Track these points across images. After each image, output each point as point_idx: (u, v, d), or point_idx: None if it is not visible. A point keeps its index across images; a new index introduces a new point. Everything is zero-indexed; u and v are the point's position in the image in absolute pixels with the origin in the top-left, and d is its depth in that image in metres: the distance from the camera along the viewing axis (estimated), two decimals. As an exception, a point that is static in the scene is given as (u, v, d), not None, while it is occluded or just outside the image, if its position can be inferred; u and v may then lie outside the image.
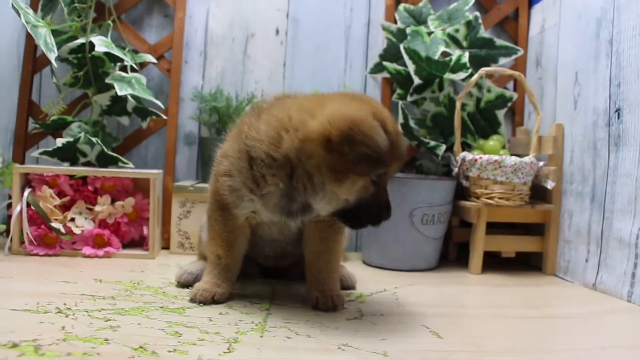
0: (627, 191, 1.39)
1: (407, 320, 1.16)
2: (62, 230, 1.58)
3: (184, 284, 1.34)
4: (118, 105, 1.73)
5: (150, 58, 1.77)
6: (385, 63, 1.77)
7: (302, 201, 1.12)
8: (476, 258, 1.64)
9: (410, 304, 1.30)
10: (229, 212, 1.22)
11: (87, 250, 1.59)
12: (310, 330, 1.08)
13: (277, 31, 1.92)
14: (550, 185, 1.62)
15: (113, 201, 1.66)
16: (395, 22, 1.87)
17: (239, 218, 1.22)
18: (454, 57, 1.64)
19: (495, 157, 1.60)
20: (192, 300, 1.22)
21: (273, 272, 1.48)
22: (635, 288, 1.34)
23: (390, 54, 1.81)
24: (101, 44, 1.60)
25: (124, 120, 1.77)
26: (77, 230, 1.59)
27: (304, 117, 1.05)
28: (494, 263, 1.75)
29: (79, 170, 1.62)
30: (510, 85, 1.95)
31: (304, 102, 1.11)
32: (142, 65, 1.83)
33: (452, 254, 1.83)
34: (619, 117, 1.43)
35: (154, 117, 1.77)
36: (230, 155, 1.17)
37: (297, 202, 1.12)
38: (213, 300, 1.22)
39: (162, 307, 1.17)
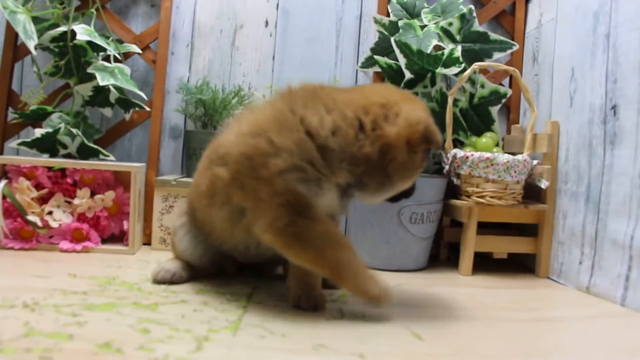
0: (623, 191, 1.34)
1: (389, 321, 1.11)
2: (39, 223, 1.53)
3: (161, 282, 1.29)
4: (100, 96, 1.68)
5: (135, 48, 1.73)
6: (376, 57, 1.72)
7: (352, 194, 1.16)
8: (466, 259, 1.59)
9: (395, 304, 1.24)
10: (311, 208, 1.08)
11: (65, 244, 1.54)
12: (286, 330, 1.03)
13: (267, 23, 1.87)
14: (544, 184, 1.57)
15: (93, 194, 1.61)
16: (388, 15, 1.82)
17: (320, 210, 1.11)
18: (446, 51, 1.59)
19: (487, 155, 1.55)
20: None
21: (250, 269, 1.44)
22: (629, 292, 1.29)
23: (382, 47, 1.76)
24: (83, 32, 1.56)
25: (107, 111, 1.72)
26: (54, 224, 1.54)
27: (380, 123, 1.10)
28: (485, 264, 1.70)
29: (57, 162, 1.57)
30: (506, 81, 1.90)
31: (363, 101, 1.13)
32: (127, 55, 1.78)
33: (443, 255, 1.78)
34: (615, 114, 1.38)
35: (137, 109, 1.72)
36: (285, 149, 1.06)
37: (349, 195, 1.17)
38: None
39: (134, 304, 1.12)
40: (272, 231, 1.08)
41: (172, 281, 1.29)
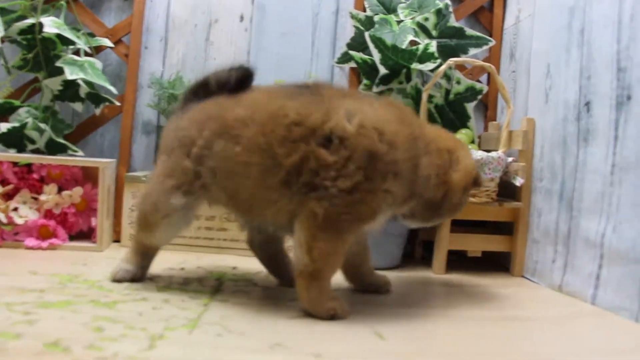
0: (595, 189, 1.32)
1: (353, 320, 1.09)
2: (4, 220, 1.50)
3: (120, 281, 1.26)
4: (70, 90, 1.65)
5: (106, 42, 1.70)
6: (351, 52, 1.70)
7: (396, 219, 1.23)
8: (440, 257, 1.57)
9: (362, 303, 1.23)
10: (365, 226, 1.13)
11: (30, 241, 1.50)
12: (246, 328, 1.01)
13: (242, 17, 1.85)
14: (519, 182, 1.55)
15: (61, 190, 1.58)
16: (365, 11, 1.80)
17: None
18: (421, 46, 1.57)
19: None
20: None
21: None
22: (599, 290, 1.27)
23: (358, 42, 1.74)
24: (51, 24, 1.53)
25: (77, 106, 1.69)
26: (19, 221, 1.51)
27: (448, 170, 1.18)
28: (460, 263, 1.68)
29: (23, 157, 1.54)
30: (485, 78, 1.88)
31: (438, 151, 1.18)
32: (99, 49, 1.74)
33: (418, 253, 1.76)
34: (588, 111, 1.36)
35: (107, 103, 1.69)
36: (402, 170, 1.09)
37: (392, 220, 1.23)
38: None
39: (92, 301, 1.10)
40: (313, 219, 1.06)
41: (133, 279, 1.26)
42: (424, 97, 1.59)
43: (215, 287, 1.28)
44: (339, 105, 1.08)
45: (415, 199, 1.15)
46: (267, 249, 1.35)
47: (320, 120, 1.06)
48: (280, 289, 1.30)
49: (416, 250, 1.76)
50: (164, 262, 1.48)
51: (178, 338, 0.92)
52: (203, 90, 1.21)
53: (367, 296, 1.30)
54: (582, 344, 1.05)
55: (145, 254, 1.28)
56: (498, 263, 1.74)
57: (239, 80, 1.19)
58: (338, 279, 1.29)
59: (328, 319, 1.08)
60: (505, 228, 1.66)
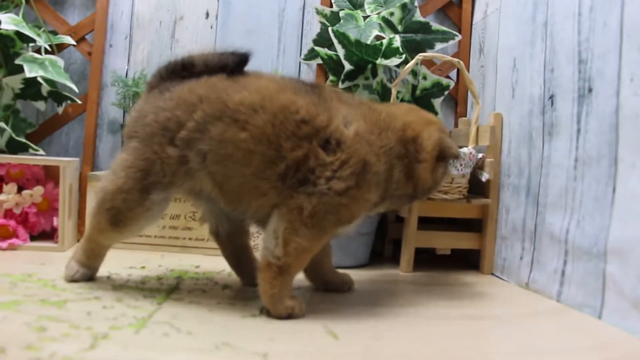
0: (559, 183, 1.30)
1: (308, 320, 1.06)
2: (-38, 219, 1.47)
3: (77, 281, 1.22)
4: (32, 89, 1.62)
5: (68, 40, 1.67)
6: (317, 48, 1.68)
7: None
8: (407, 255, 1.55)
9: (320, 302, 1.20)
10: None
11: (-10, 241, 1.48)
12: (195, 327, 0.98)
13: (207, 14, 1.82)
14: (484, 177, 1.53)
15: (21, 190, 1.55)
16: (332, 6, 1.78)
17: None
18: (385, 41, 1.55)
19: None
20: None
21: None
22: (564, 287, 1.26)
23: (324, 38, 1.71)
24: (9, 22, 1.50)
25: (40, 105, 1.66)
26: (-22, 221, 1.49)
27: (412, 164, 1.17)
28: (429, 261, 1.66)
29: (-20, 156, 1.52)
30: (454, 74, 1.86)
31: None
32: (61, 47, 1.72)
33: (388, 251, 1.74)
34: (552, 105, 1.34)
35: (69, 102, 1.66)
36: (382, 172, 1.12)
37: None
38: None
39: (42, 301, 1.07)
40: (297, 213, 1.05)
41: (89, 280, 1.24)
42: (394, 93, 1.57)
43: (173, 285, 1.26)
44: (337, 109, 1.10)
45: (386, 202, 1.17)
46: (234, 241, 1.32)
47: (325, 122, 1.07)
48: (239, 288, 1.28)
49: (386, 248, 1.74)
50: (125, 261, 1.45)
51: (122, 338, 0.90)
52: (186, 70, 1.14)
53: (327, 295, 1.27)
54: (541, 342, 1.03)
55: (99, 255, 1.25)
56: (468, 261, 1.72)
57: (236, 64, 1.15)
58: (297, 277, 1.27)
59: (285, 317, 1.05)
60: (475, 225, 1.65)
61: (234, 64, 1.15)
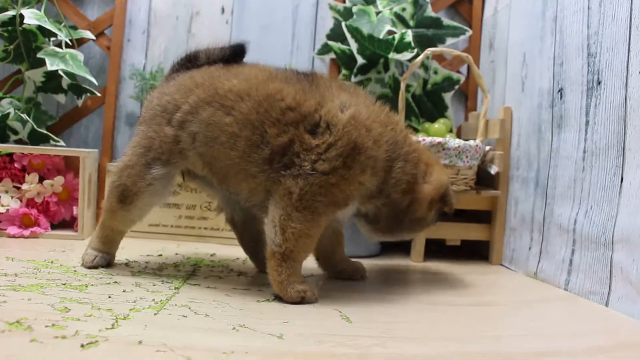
0: (567, 175, 1.32)
1: (322, 305, 1.10)
2: (-14, 208, 1.52)
3: (95, 268, 1.27)
4: (53, 82, 1.67)
5: (88, 34, 1.71)
6: (330, 42, 1.71)
7: (360, 221, 1.26)
8: (418, 246, 1.58)
9: (334, 289, 1.24)
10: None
11: (12, 230, 1.52)
12: (212, 310, 1.02)
13: (223, 10, 1.86)
14: (493, 170, 1.55)
15: (42, 180, 1.60)
16: (345, 2, 1.81)
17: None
18: (397, 36, 1.58)
19: (439, 139, 1.53)
20: None
21: None
22: (571, 276, 1.28)
23: (337, 34, 1.75)
24: (32, 16, 1.54)
25: (60, 98, 1.71)
26: (1, 209, 1.53)
27: (418, 179, 1.20)
28: (440, 252, 1.69)
29: (3, 147, 1.56)
30: (465, 69, 1.89)
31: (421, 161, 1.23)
32: (81, 42, 1.76)
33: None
34: (561, 98, 1.37)
35: (88, 95, 1.71)
36: (381, 159, 1.14)
37: (356, 219, 1.26)
38: None
39: (64, 284, 1.11)
40: (288, 198, 1.08)
41: (107, 266, 1.28)
42: (402, 86, 1.59)
43: (190, 272, 1.30)
44: (334, 96, 1.13)
45: (382, 198, 1.17)
46: (249, 228, 1.36)
47: (313, 108, 1.10)
48: (254, 275, 1.32)
49: (397, 239, 1.77)
50: (142, 249, 1.50)
51: (142, 318, 0.94)
52: (191, 62, 1.26)
53: (340, 282, 1.30)
54: (549, 326, 1.05)
55: (114, 241, 1.30)
56: (477, 252, 1.75)
57: (233, 54, 1.25)
58: (312, 264, 1.31)
59: (297, 302, 1.09)
60: (484, 217, 1.67)
61: (231, 55, 1.25)
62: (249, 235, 1.37)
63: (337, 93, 1.13)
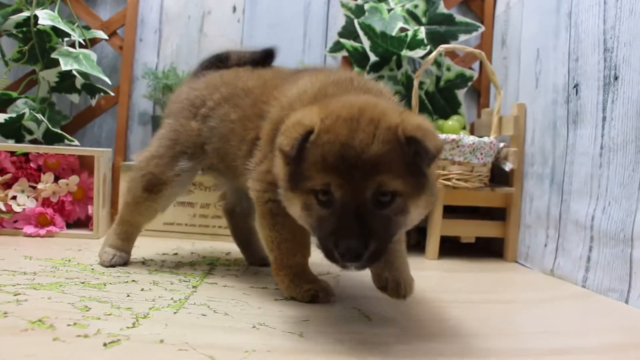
0: (584, 170, 1.32)
1: (341, 303, 1.10)
2: (3, 208, 1.53)
3: (113, 266, 1.28)
4: (66, 82, 1.68)
5: (101, 34, 1.72)
6: (342, 40, 1.71)
7: None
8: (433, 243, 1.57)
9: (351, 287, 1.23)
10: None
11: (29, 229, 1.54)
12: (231, 309, 1.02)
13: (234, 8, 1.86)
14: (507, 167, 1.55)
15: (57, 179, 1.61)
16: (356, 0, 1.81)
17: None
18: (410, 33, 1.58)
19: (453, 136, 1.53)
20: None
21: None
22: (589, 273, 1.27)
23: (349, 31, 1.74)
24: (46, 17, 1.55)
25: (74, 97, 1.72)
26: (18, 209, 1.54)
27: None
28: (454, 249, 1.68)
29: (19, 146, 1.57)
30: (477, 65, 1.88)
31: None
32: (94, 42, 1.77)
33: (413, 239, 1.76)
34: (577, 93, 1.36)
35: (102, 94, 1.72)
36: None
37: None
38: None
39: (83, 283, 1.12)
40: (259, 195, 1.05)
41: (125, 264, 1.29)
42: (415, 83, 1.59)
43: (206, 271, 1.30)
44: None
45: None
46: (247, 221, 1.38)
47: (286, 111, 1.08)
48: (270, 274, 1.31)
49: (411, 236, 1.77)
50: (158, 248, 1.50)
51: (162, 317, 0.94)
52: (222, 62, 1.31)
53: (357, 280, 1.30)
54: (567, 323, 1.05)
55: (132, 237, 1.31)
56: (491, 249, 1.74)
57: (264, 57, 1.30)
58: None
59: (309, 301, 1.08)
60: (498, 214, 1.66)
61: (261, 58, 1.29)
62: (245, 228, 1.40)
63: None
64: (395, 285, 1.05)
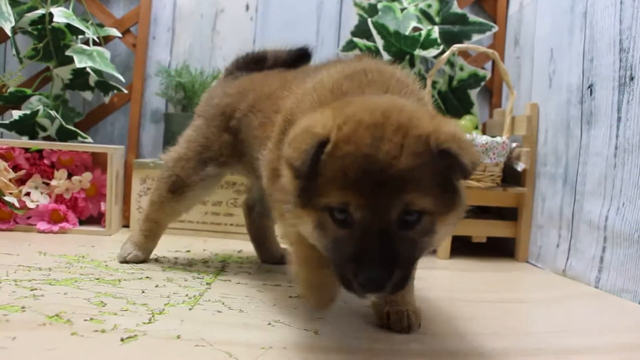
0: (598, 171, 1.31)
1: (354, 302, 1.09)
2: (16, 204, 1.54)
3: (128, 263, 1.29)
4: (80, 79, 1.69)
5: (114, 32, 1.73)
6: (355, 39, 1.71)
7: None
8: (444, 243, 1.57)
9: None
10: None
11: (42, 225, 1.55)
12: (245, 306, 1.02)
13: (247, 7, 1.87)
14: (520, 167, 1.55)
15: (71, 176, 1.62)
16: (369, -1, 1.81)
17: None
18: (423, 32, 1.58)
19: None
20: None
21: None
22: (602, 273, 1.27)
23: (362, 30, 1.74)
24: (61, 15, 1.56)
25: (87, 94, 1.73)
26: (31, 205, 1.55)
27: None
28: (465, 248, 1.68)
29: (34, 143, 1.59)
30: (489, 65, 1.88)
31: None
32: (108, 39, 1.78)
33: (424, 239, 1.76)
34: (591, 94, 1.35)
35: (115, 91, 1.73)
36: None
37: None
38: None
39: (97, 279, 1.13)
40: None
41: (142, 262, 1.30)
42: (428, 83, 1.59)
43: (219, 268, 1.31)
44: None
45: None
46: (262, 219, 1.39)
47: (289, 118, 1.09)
48: (282, 271, 1.32)
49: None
50: (170, 246, 1.51)
51: (178, 313, 0.95)
52: (256, 64, 1.28)
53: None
54: (579, 323, 1.05)
55: (156, 235, 1.32)
56: (503, 249, 1.74)
57: (299, 57, 1.28)
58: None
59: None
60: (510, 214, 1.66)
61: (297, 58, 1.27)
62: (262, 226, 1.40)
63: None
64: (397, 318, 0.94)
